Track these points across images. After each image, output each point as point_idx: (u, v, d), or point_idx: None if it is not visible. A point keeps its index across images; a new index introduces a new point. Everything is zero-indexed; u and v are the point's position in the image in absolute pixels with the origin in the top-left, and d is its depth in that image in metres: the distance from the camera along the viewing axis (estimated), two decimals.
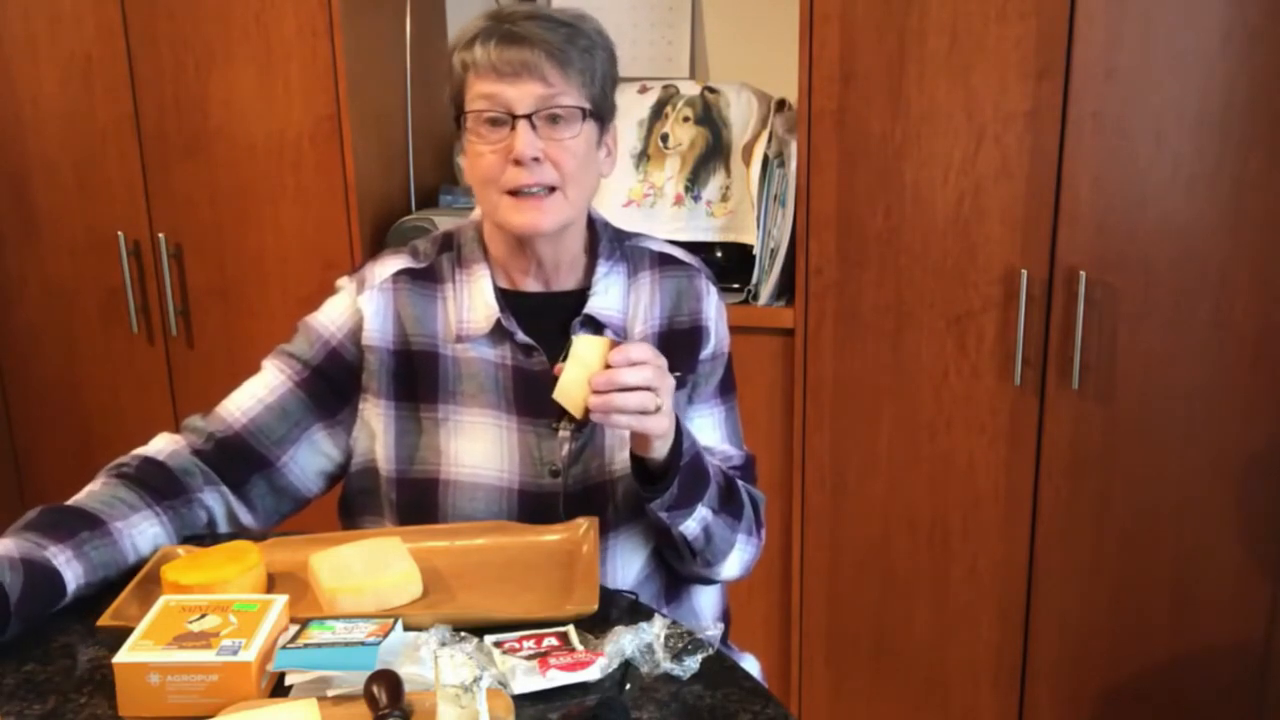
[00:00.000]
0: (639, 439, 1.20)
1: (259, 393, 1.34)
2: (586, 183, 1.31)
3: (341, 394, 1.34)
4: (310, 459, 1.35)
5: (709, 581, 1.44)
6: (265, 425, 1.32)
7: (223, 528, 1.33)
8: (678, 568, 1.39)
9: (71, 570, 1.13)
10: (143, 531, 1.22)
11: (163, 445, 1.32)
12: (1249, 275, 1.97)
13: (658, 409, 1.15)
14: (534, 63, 1.23)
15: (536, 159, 1.24)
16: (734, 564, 1.38)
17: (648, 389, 1.14)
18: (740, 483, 1.40)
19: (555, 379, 1.17)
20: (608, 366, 1.14)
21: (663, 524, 1.28)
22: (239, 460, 1.32)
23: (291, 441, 1.33)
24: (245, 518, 1.34)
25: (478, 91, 1.25)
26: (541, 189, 1.26)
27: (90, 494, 1.24)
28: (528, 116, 1.24)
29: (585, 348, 1.16)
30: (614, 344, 1.16)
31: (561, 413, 1.31)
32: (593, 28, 1.30)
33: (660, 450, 1.21)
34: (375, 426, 1.34)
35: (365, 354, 1.33)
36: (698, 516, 1.29)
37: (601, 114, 1.31)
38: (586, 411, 1.14)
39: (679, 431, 1.23)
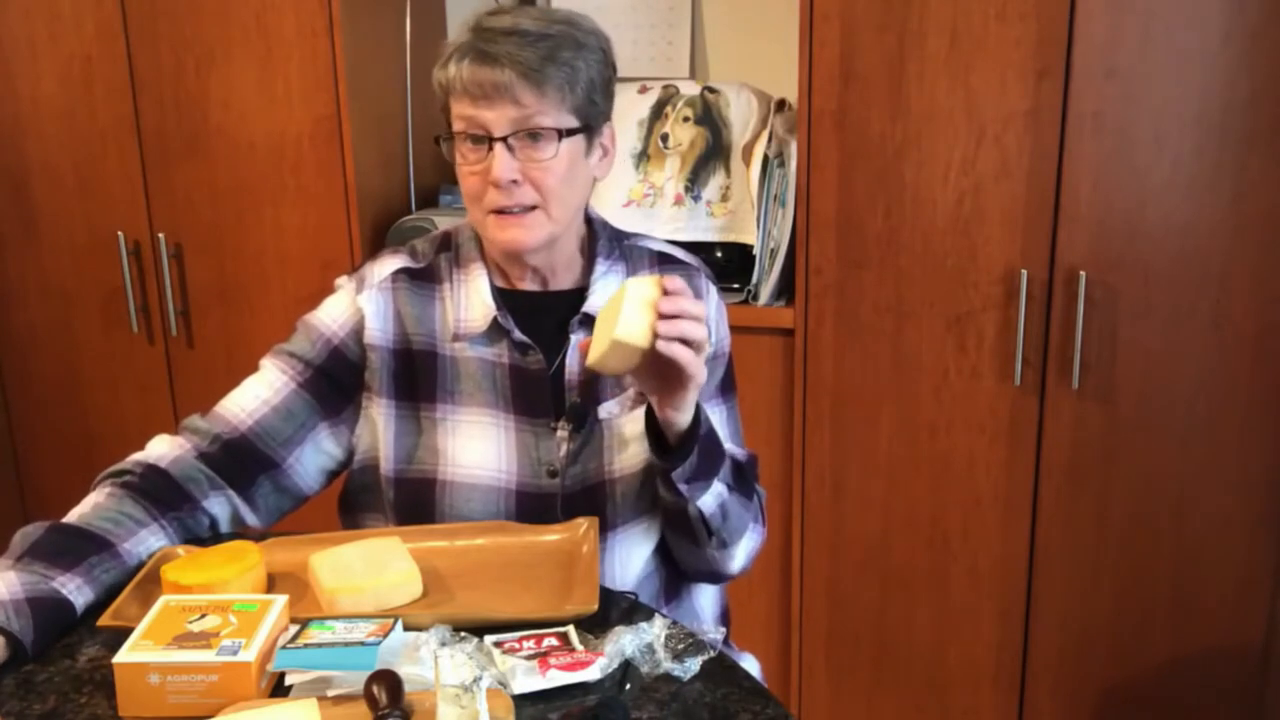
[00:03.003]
0: (670, 397, 1.18)
1: (263, 393, 1.33)
2: (571, 198, 1.30)
3: (344, 393, 1.34)
4: (314, 458, 1.35)
5: (714, 575, 1.42)
6: (271, 427, 1.32)
7: (225, 530, 1.33)
8: (686, 560, 1.37)
9: (83, 596, 1.13)
10: (150, 547, 1.22)
11: (165, 450, 1.31)
12: (1249, 275, 1.97)
13: (704, 344, 1.14)
14: (506, 84, 1.21)
15: (515, 180, 1.24)
16: (744, 551, 1.37)
17: (702, 319, 1.13)
18: None
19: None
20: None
21: (681, 501, 1.27)
22: (246, 462, 1.32)
23: (297, 443, 1.33)
24: (249, 519, 1.34)
25: (457, 112, 1.26)
26: (521, 208, 1.26)
27: (96, 508, 1.22)
28: (504, 139, 1.23)
29: (640, 287, 1.13)
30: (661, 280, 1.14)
31: (561, 413, 1.32)
32: (583, 28, 1.27)
33: (687, 411, 1.19)
34: (379, 425, 1.34)
35: (368, 353, 1.33)
36: (715, 491, 1.28)
37: (589, 122, 1.29)
38: (652, 342, 1.11)
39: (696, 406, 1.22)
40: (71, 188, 2.50)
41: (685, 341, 1.12)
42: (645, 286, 1.13)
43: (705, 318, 1.14)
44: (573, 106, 1.26)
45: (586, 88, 1.27)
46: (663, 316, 1.11)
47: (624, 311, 1.11)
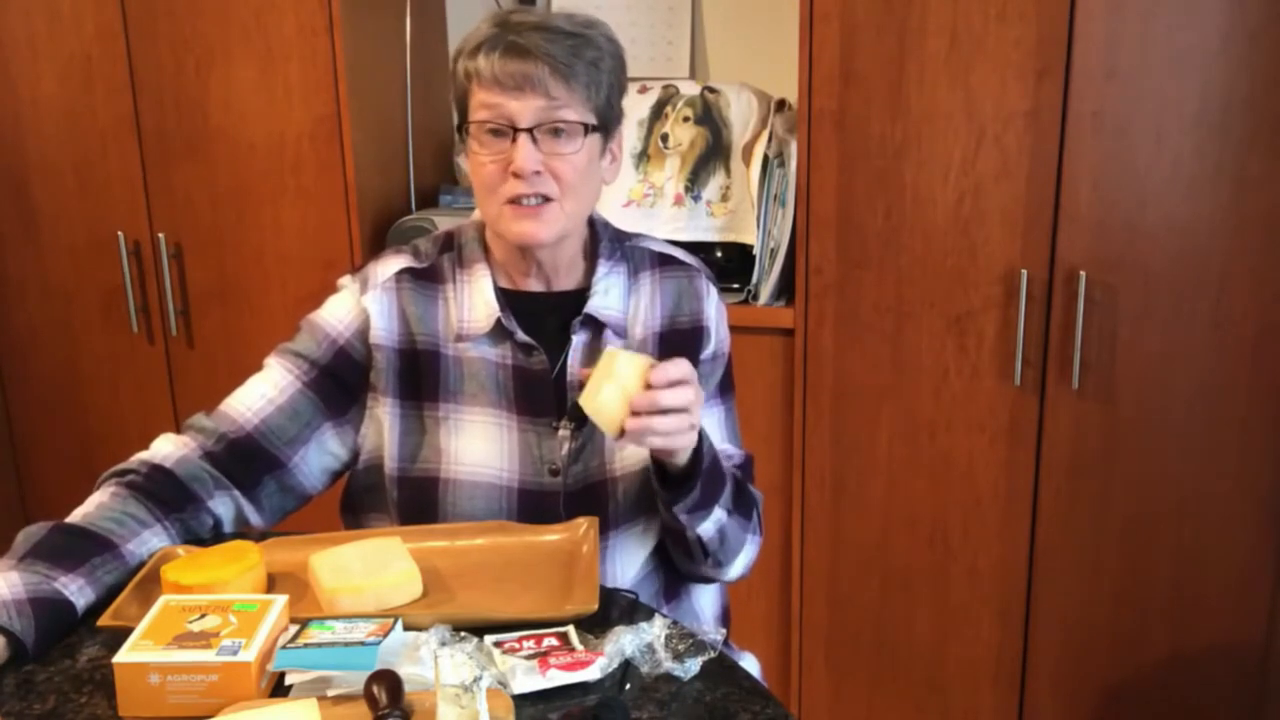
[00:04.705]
0: (663, 451, 1.21)
1: (268, 393, 1.33)
2: (586, 194, 1.31)
3: (350, 393, 1.34)
4: (318, 458, 1.35)
5: (711, 581, 1.44)
6: (277, 426, 1.32)
7: (229, 529, 1.33)
8: (684, 568, 1.39)
9: (84, 597, 1.13)
10: (152, 548, 1.22)
11: (169, 450, 1.31)
12: (1249, 275, 1.97)
13: (690, 426, 1.16)
14: (537, 76, 1.23)
15: (537, 172, 1.25)
16: (740, 564, 1.38)
17: (685, 410, 1.14)
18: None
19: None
20: (647, 386, 1.13)
21: (678, 526, 1.28)
22: (251, 462, 1.31)
23: (302, 442, 1.33)
24: (254, 518, 1.34)
25: (480, 101, 1.25)
26: (539, 199, 1.26)
27: (100, 507, 1.22)
28: (529, 130, 1.24)
29: (624, 366, 1.14)
30: (653, 365, 1.15)
31: (563, 413, 1.32)
32: (602, 35, 1.29)
33: (682, 459, 1.22)
34: (384, 424, 1.34)
35: (373, 353, 1.33)
36: (714, 518, 1.29)
37: (606, 124, 1.30)
38: (621, 430, 1.13)
39: (699, 436, 1.23)
40: (71, 188, 2.50)
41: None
42: (630, 367, 1.13)
43: (688, 404, 1.14)
44: (595, 106, 1.27)
45: (608, 89, 1.29)
46: (635, 412, 1.12)
47: (601, 393, 1.13)
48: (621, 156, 1.37)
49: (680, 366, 1.15)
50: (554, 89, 1.23)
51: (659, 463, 1.25)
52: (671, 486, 1.25)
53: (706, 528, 1.29)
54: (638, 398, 1.12)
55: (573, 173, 1.26)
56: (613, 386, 1.13)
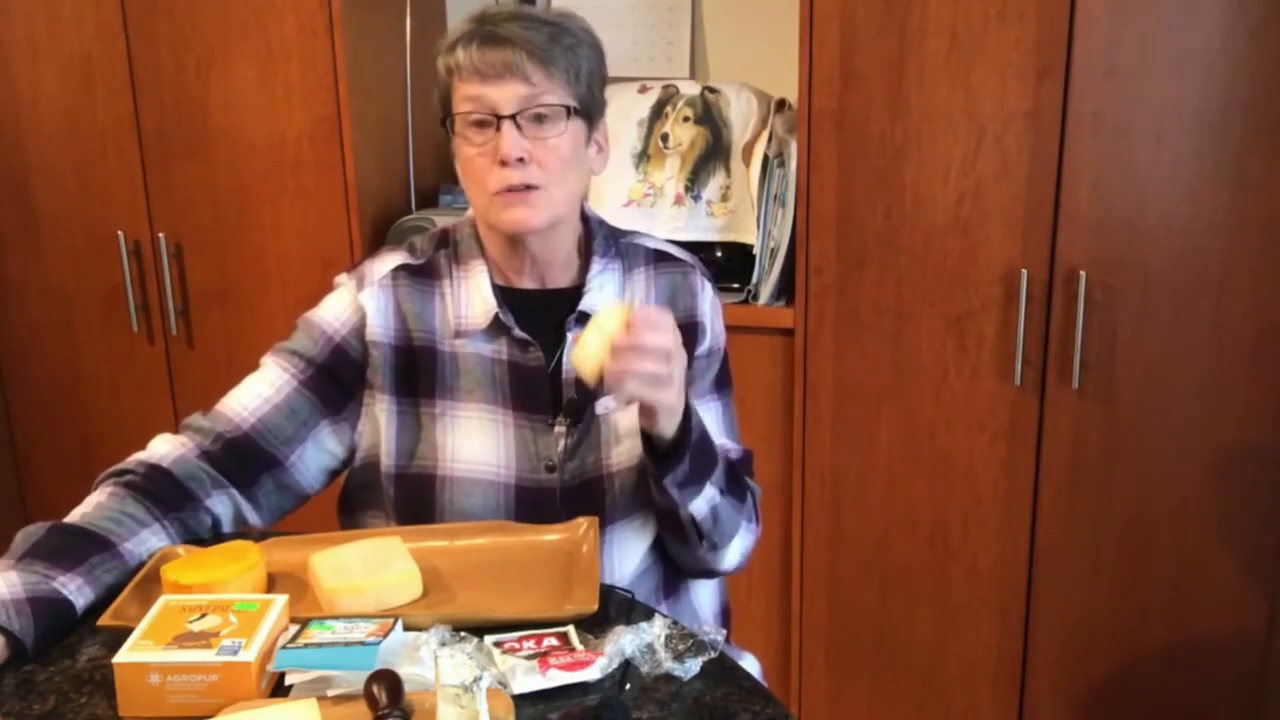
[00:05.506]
0: (647, 414, 1.20)
1: (265, 392, 1.33)
2: (574, 180, 1.32)
3: (347, 390, 1.34)
4: (316, 457, 1.35)
5: (709, 573, 1.43)
6: (274, 425, 1.32)
7: (227, 529, 1.33)
8: (680, 558, 1.39)
9: (83, 596, 1.13)
10: (151, 547, 1.22)
11: (167, 450, 1.31)
12: (1249, 275, 1.97)
13: (669, 377, 1.15)
14: (516, 63, 1.24)
15: (522, 159, 1.25)
16: (735, 551, 1.38)
17: (664, 355, 1.14)
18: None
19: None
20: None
21: (673, 505, 1.28)
22: (248, 461, 1.32)
23: (300, 441, 1.33)
24: (252, 517, 1.34)
25: (462, 94, 1.27)
26: (526, 187, 1.27)
27: (99, 507, 1.22)
28: (512, 117, 1.25)
29: (606, 316, 1.15)
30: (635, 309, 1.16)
31: (559, 409, 1.32)
32: (578, 25, 1.31)
33: (668, 426, 1.21)
34: (381, 421, 1.34)
35: (370, 350, 1.33)
36: (706, 495, 1.29)
37: (589, 111, 1.31)
38: (600, 379, 1.14)
39: (687, 409, 1.23)
40: (71, 188, 2.50)
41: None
42: (611, 319, 1.14)
43: (666, 349, 1.14)
44: (576, 94, 1.28)
45: (588, 76, 1.30)
46: (615, 351, 1.12)
47: (584, 341, 1.14)
48: (609, 148, 1.38)
49: (663, 314, 1.16)
50: (533, 75, 1.24)
51: (648, 437, 1.24)
52: (661, 460, 1.25)
53: (699, 505, 1.29)
54: (618, 338, 1.13)
55: (557, 159, 1.27)
56: (596, 331, 1.14)
